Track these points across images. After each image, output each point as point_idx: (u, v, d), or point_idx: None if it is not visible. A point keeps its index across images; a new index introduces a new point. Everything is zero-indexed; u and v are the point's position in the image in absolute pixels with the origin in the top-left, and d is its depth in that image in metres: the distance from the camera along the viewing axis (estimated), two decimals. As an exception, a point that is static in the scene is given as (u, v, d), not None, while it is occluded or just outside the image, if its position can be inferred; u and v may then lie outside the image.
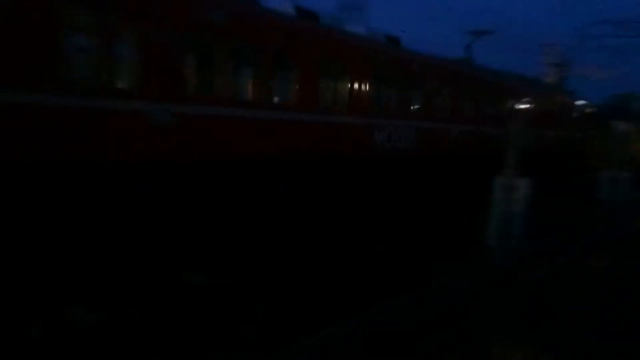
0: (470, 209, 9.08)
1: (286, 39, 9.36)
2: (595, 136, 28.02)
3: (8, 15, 5.96)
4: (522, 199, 6.10)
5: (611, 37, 26.87)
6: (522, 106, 15.57)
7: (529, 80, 23.60)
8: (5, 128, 5.87)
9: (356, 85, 10.69)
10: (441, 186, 12.84)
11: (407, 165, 11.81)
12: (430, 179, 12.55)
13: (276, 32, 9.20)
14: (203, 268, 7.11)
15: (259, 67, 8.72)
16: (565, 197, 16.69)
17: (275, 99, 9.08)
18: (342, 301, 6.69)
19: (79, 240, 6.55)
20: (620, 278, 7.10)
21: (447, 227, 10.46)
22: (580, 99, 30.18)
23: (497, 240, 6.27)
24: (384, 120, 11.24)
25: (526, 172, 6.53)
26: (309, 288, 6.97)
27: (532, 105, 18.89)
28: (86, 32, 6.65)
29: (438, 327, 4.37)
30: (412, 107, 12.34)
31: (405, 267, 8.36)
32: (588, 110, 29.91)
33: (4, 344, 5.22)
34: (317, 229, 9.31)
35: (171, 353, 5.11)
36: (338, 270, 7.57)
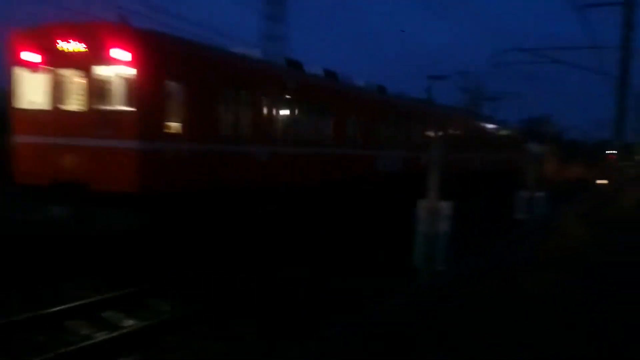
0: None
1: (323, 96, 14.31)
2: (514, 158, 31.10)
3: (189, 95, 9.88)
4: (445, 221, 6.21)
5: (523, 64, 28.43)
6: (438, 132, 18.35)
7: (458, 110, 28.28)
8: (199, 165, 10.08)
9: (362, 126, 15.95)
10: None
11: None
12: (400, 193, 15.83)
13: (318, 92, 14.16)
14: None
15: (311, 116, 13.67)
16: (486, 217, 17.25)
17: (321, 138, 14.08)
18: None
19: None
20: (538, 294, 7.35)
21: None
22: (498, 123, 32.10)
23: (423, 262, 6.34)
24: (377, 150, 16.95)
25: (449, 194, 6.69)
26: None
27: (453, 131, 21.52)
28: (227, 103, 10.90)
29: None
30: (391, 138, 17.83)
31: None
32: (505, 133, 32.57)
33: None
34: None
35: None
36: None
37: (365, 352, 4.52)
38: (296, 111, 13.15)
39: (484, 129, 27.38)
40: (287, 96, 12.76)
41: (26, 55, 9.84)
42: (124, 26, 9.33)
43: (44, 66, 9.77)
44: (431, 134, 19.53)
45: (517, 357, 5.08)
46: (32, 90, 9.93)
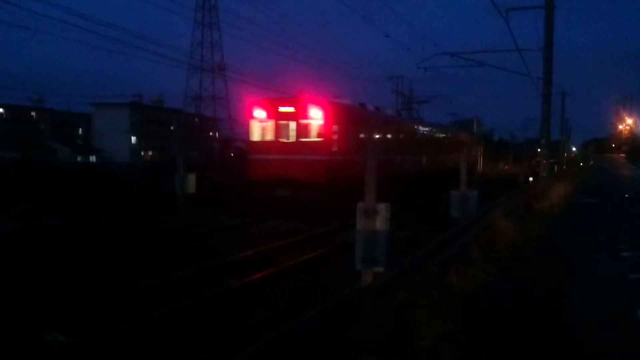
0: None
1: (393, 125, 27.64)
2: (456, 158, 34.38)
3: (342, 131, 20.27)
4: (384, 223, 6.35)
5: (452, 67, 29.33)
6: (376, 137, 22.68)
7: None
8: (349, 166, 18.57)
9: (409, 142, 28.21)
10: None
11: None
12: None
13: (391, 123, 27.46)
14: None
15: (400, 140, 27.30)
16: (422, 217, 17.63)
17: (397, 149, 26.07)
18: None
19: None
20: (473, 292, 7.64)
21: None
22: (430, 125, 33.19)
23: (363, 265, 6.46)
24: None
25: (389, 195, 6.87)
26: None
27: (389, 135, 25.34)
28: (358, 134, 21.92)
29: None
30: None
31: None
32: (440, 135, 34.31)
33: None
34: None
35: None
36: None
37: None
38: (388, 135, 26.21)
39: (427, 132, 33.16)
40: (384, 127, 25.87)
41: (257, 113, 20.14)
42: (314, 98, 19.92)
43: (269, 119, 19.94)
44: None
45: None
46: (260, 131, 20.26)
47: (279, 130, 19.71)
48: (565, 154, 75.43)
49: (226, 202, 21.60)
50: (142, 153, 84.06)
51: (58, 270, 10.41)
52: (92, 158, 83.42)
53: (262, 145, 20.01)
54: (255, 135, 20.28)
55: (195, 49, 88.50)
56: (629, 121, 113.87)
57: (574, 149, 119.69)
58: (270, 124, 19.87)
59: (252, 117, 20.17)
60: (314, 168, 18.51)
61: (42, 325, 7.12)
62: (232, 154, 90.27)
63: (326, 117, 19.12)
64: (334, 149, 19.47)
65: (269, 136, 19.93)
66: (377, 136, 23.84)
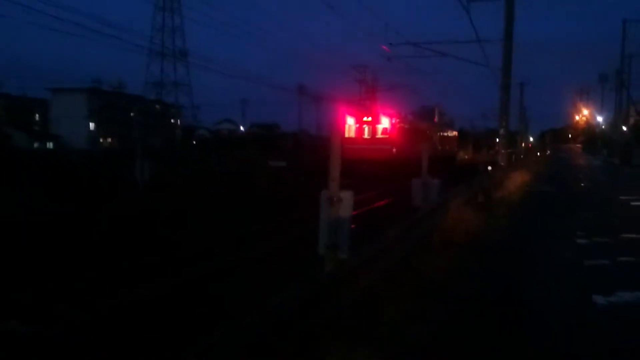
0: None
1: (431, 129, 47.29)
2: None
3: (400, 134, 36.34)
4: (348, 210, 6.39)
5: (414, 57, 29.60)
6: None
7: None
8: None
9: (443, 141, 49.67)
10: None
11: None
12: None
13: (428, 128, 46.65)
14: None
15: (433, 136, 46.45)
16: (386, 205, 17.78)
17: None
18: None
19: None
20: (433, 277, 7.76)
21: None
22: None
23: (326, 251, 6.49)
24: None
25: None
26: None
27: None
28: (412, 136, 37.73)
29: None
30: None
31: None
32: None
33: None
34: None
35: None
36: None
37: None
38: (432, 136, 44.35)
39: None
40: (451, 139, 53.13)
41: (349, 120, 34.96)
42: (381, 112, 35.94)
43: (356, 124, 34.95)
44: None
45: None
46: (351, 130, 34.66)
47: (362, 131, 35.05)
48: (523, 144, 77.01)
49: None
50: (102, 140, 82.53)
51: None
52: (50, 145, 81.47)
53: (353, 139, 34.07)
54: (348, 133, 34.54)
55: (156, 34, 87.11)
56: (586, 112, 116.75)
57: (531, 139, 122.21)
58: (357, 127, 35.16)
59: (345, 122, 34.69)
60: (381, 153, 33.45)
61: None
62: (194, 142, 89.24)
63: (388, 124, 35.09)
64: (392, 142, 34.52)
65: (354, 134, 34.96)
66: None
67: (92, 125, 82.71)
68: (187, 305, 8.23)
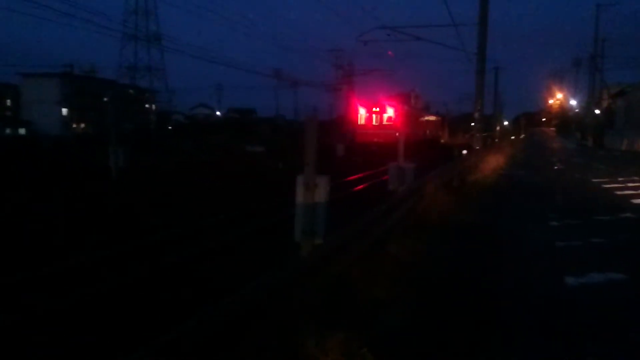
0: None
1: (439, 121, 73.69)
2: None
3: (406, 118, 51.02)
4: (324, 195, 6.39)
5: (388, 42, 29.70)
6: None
7: None
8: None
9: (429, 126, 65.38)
10: None
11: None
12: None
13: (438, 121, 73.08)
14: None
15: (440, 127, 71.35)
16: (361, 190, 17.84)
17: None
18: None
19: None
20: (409, 260, 7.83)
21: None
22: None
23: (302, 237, 6.49)
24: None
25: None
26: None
27: None
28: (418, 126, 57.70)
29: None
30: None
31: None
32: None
33: None
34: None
35: None
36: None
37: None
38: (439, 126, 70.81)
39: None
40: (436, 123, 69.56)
41: (361, 110, 49.11)
42: (387, 103, 48.95)
43: (367, 113, 48.74)
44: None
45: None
46: (362, 118, 48.94)
47: (371, 119, 47.14)
48: (498, 128, 77.73)
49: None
50: (74, 125, 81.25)
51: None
52: (22, 131, 79.97)
53: (364, 126, 47.48)
54: (360, 121, 47.91)
55: (129, 17, 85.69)
56: (559, 95, 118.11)
57: (506, 123, 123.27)
58: (368, 115, 47.61)
59: (358, 112, 47.65)
60: (387, 136, 41.24)
61: None
62: (169, 127, 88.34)
63: (393, 113, 46.68)
64: (395, 127, 42.98)
65: (365, 121, 47.70)
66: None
67: (64, 111, 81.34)
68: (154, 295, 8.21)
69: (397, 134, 43.17)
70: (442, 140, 69.27)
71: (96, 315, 7.22)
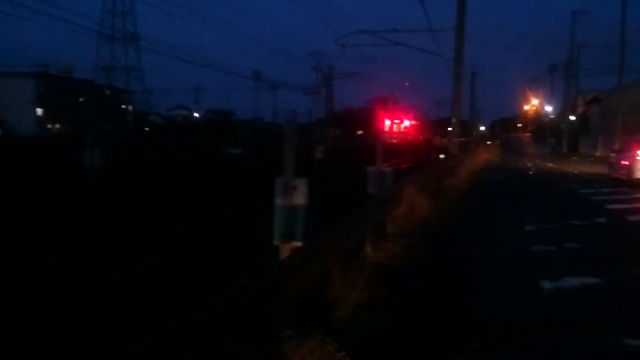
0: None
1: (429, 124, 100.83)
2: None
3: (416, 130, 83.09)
4: (302, 198, 6.39)
5: (368, 46, 29.88)
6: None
7: None
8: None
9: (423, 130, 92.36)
10: None
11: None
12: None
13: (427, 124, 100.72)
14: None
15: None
16: (340, 193, 17.88)
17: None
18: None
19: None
20: (386, 264, 7.85)
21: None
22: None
23: (281, 239, 6.48)
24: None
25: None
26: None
27: None
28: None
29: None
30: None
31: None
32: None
33: None
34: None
35: None
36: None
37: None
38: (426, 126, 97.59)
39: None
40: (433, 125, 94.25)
41: (386, 120, 63.81)
42: (404, 116, 78.60)
43: (391, 123, 68.27)
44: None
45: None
46: (386, 126, 64.19)
47: (393, 126, 67.32)
48: (475, 133, 78.59)
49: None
50: (50, 126, 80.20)
51: None
52: (-4, 130, 78.51)
53: (389, 132, 59.56)
54: (384, 128, 53.20)
55: (106, 17, 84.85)
56: (535, 102, 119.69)
57: (482, 128, 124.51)
58: (390, 125, 65.28)
59: (383, 121, 51.03)
60: (404, 139, 66.55)
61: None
62: (147, 129, 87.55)
63: (410, 124, 78.25)
64: (412, 133, 75.67)
65: (389, 129, 63.34)
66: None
67: (39, 111, 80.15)
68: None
69: (409, 137, 72.22)
70: (437, 143, 77.27)
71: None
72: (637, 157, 21.42)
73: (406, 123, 75.10)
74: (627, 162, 22.08)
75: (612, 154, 26.98)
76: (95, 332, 6.56)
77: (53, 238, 11.30)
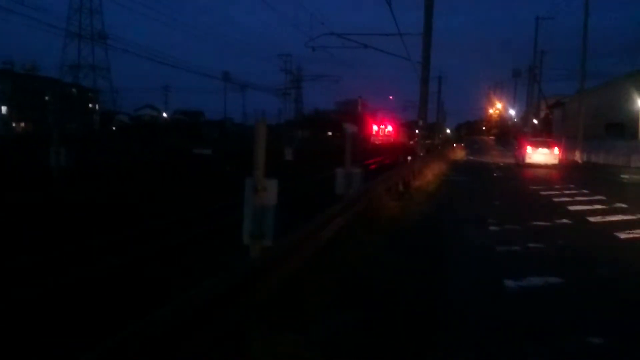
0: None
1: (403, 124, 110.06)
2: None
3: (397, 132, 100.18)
4: (272, 199, 6.44)
5: (338, 48, 30.21)
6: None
7: None
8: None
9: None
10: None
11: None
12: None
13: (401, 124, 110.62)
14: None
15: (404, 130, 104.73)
16: (309, 194, 17.96)
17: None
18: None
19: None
20: (354, 264, 7.96)
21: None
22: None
23: (250, 239, 6.51)
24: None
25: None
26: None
27: None
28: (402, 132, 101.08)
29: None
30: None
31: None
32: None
33: None
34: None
35: None
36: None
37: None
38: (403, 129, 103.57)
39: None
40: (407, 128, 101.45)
41: (376, 125, 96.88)
42: (389, 121, 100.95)
43: (379, 127, 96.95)
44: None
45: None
46: (375, 131, 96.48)
47: (379, 130, 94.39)
48: (441, 136, 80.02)
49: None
50: (15, 125, 78.54)
51: None
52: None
53: (376, 135, 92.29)
54: (373, 132, 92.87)
55: (74, 15, 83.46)
56: (499, 105, 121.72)
57: (448, 131, 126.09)
58: (377, 129, 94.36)
59: (373, 127, 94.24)
60: (389, 141, 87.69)
61: None
62: (114, 128, 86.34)
63: (392, 128, 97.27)
64: (394, 136, 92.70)
65: (376, 132, 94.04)
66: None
67: (4, 109, 78.39)
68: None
69: (392, 139, 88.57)
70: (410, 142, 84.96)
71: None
72: (524, 151, 37.14)
73: (389, 128, 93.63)
74: (520, 154, 38.69)
75: (515, 149, 45.23)
76: (43, 340, 6.44)
77: (9, 238, 11.08)
